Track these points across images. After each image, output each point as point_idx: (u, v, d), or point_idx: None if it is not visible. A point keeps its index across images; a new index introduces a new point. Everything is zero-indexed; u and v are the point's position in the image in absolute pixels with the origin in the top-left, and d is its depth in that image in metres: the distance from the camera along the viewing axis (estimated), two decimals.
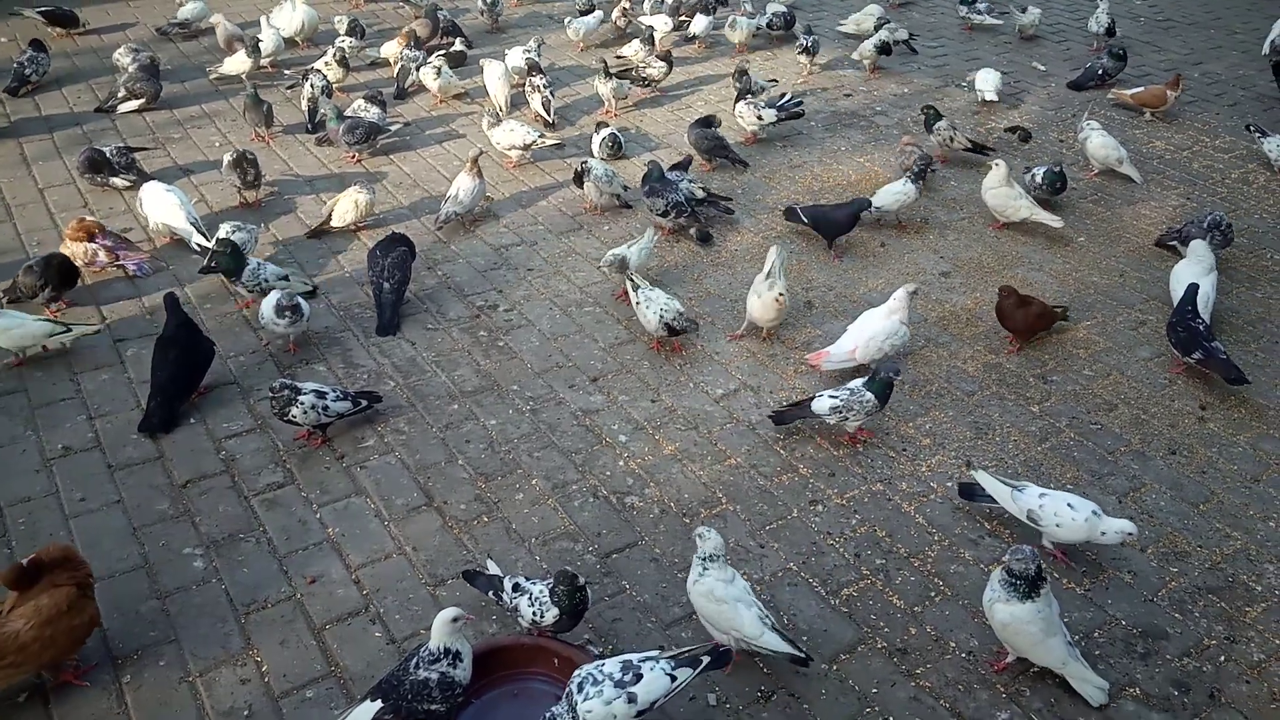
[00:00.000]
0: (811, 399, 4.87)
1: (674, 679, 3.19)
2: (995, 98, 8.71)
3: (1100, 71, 9.21)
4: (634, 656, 3.25)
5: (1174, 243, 6.51)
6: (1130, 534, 4.09)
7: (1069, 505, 4.16)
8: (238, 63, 8.71)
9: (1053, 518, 4.17)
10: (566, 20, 9.93)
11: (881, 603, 4.09)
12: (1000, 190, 6.71)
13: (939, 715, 3.64)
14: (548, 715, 3.13)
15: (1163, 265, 6.36)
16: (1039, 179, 6.94)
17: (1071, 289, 6.25)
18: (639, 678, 3.16)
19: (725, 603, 3.60)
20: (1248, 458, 4.93)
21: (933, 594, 4.14)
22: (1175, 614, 4.09)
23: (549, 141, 7.52)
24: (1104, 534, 4.11)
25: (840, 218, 6.50)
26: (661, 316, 5.31)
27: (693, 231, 6.63)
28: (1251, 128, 7.97)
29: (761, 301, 5.43)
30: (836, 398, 4.77)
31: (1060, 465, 4.83)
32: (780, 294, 5.38)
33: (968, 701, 3.70)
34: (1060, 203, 7.14)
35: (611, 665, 3.22)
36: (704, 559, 3.65)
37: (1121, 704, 3.71)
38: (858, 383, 4.83)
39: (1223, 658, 3.91)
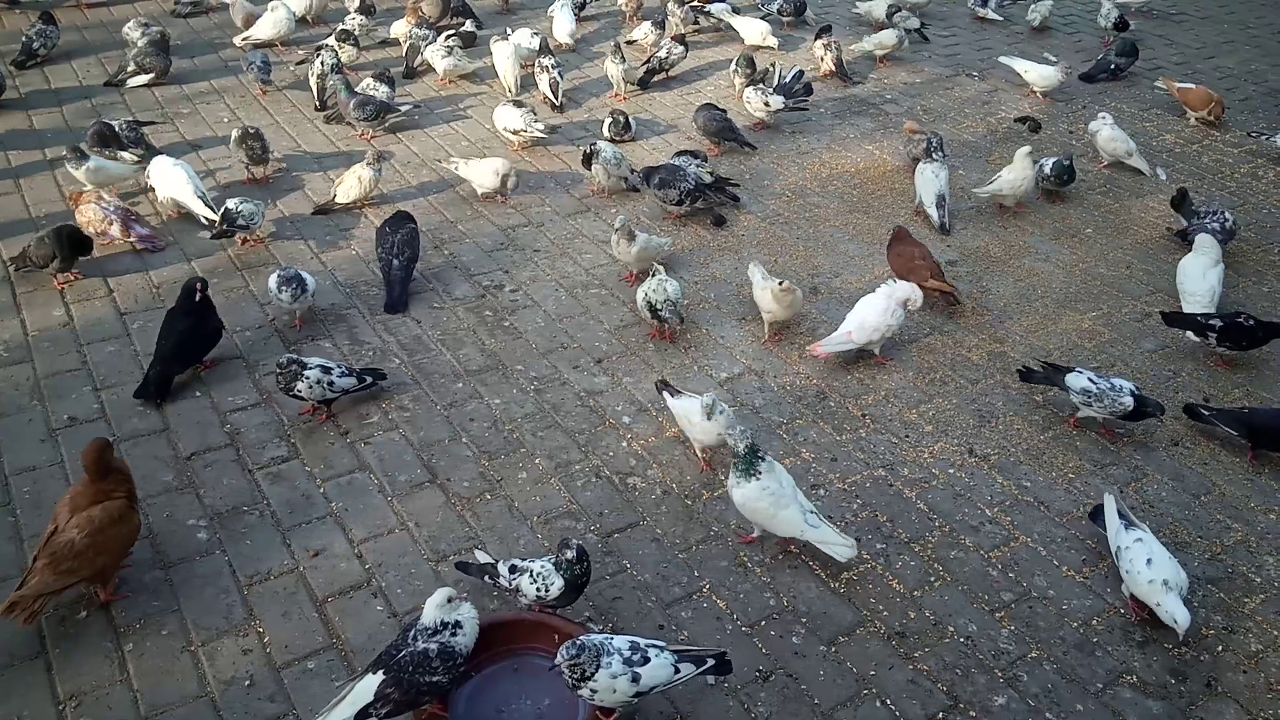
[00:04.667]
0: (1070, 368, 4.92)
1: (677, 671, 3.24)
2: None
3: (1112, 65, 9.17)
4: (640, 640, 3.29)
5: (1179, 230, 6.51)
6: (1177, 624, 3.74)
7: (1148, 561, 3.88)
8: (268, 27, 8.79)
9: (1128, 564, 3.95)
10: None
11: (881, 587, 4.10)
12: (1017, 167, 6.75)
13: (936, 698, 3.66)
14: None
15: (1170, 258, 6.35)
16: (1047, 170, 6.93)
17: (1078, 280, 6.24)
18: (646, 660, 3.20)
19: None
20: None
21: (932, 579, 4.15)
22: None
23: (537, 131, 7.34)
24: (1159, 605, 3.80)
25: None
26: (647, 296, 5.31)
27: (710, 216, 6.67)
28: (1253, 133, 7.99)
29: (770, 295, 5.35)
30: (1095, 384, 4.78)
31: (1063, 454, 4.84)
32: (782, 282, 5.32)
33: (965, 685, 3.71)
34: (1069, 194, 7.13)
35: (620, 641, 3.25)
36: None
37: (1118, 691, 3.72)
38: (1125, 384, 4.80)
39: (1220, 647, 3.92)
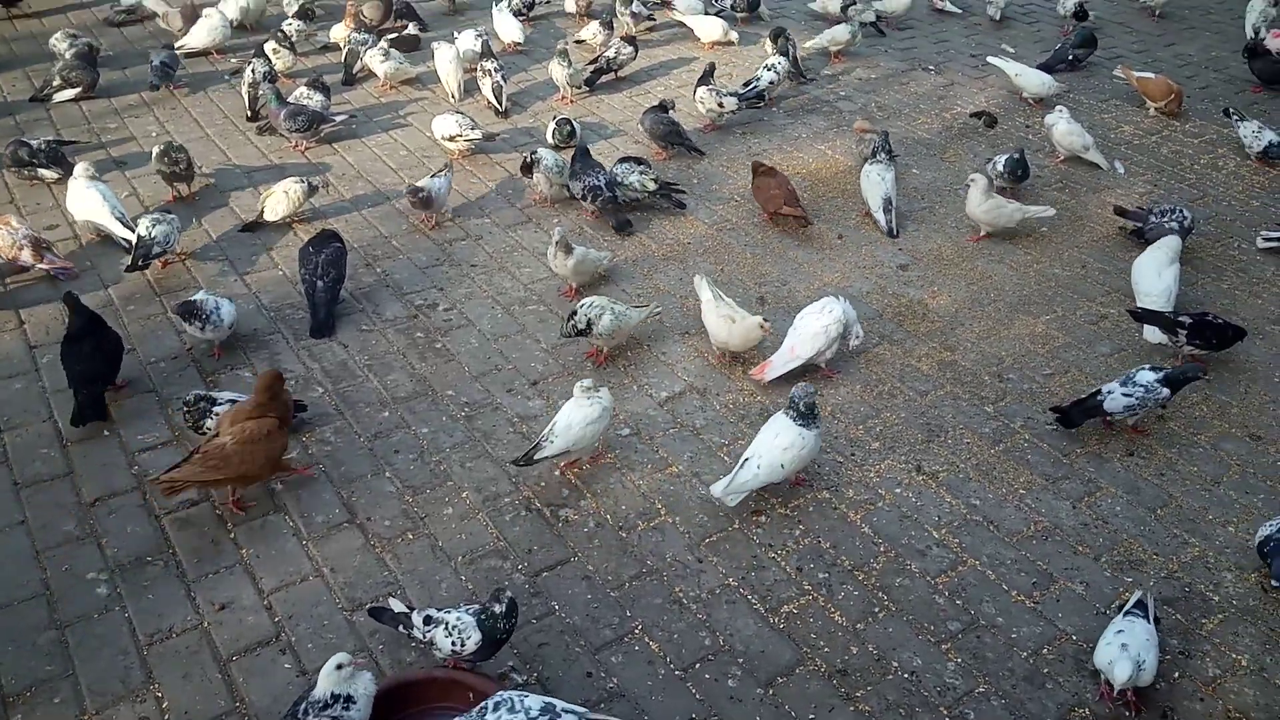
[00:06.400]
0: (1100, 397, 4.71)
1: None
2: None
3: (1070, 56, 9.00)
4: (559, 704, 3.06)
5: (1136, 225, 6.34)
6: (1114, 675, 3.46)
7: (1118, 631, 3.60)
8: (202, 34, 8.52)
9: (1101, 637, 3.66)
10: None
11: (822, 620, 3.91)
12: (988, 204, 6.27)
13: None
14: None
15: (1126, 256, 6.17)
16: (1000, 167, 6.74)
17: (1032, 281, 6.06)
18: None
19: None
20: (1208, 458, 4.77)
21: (876, 609, 3.96)
22: None
23: (473, 136, 7.10)
24: (1111, 663, 3.50)
25: None
26: (586, 314, 5.05)
27: (611, 220, 6.41)
28: (1230, 112, 7.75)
29: (742, 328, 5.01)
30: (1131, 396, 4.67)
31: (1014, 469, 4.66)
32: (764, 321, 4.99)
33: None
34: (1023, 191, 6.94)
35: (534, 701, 3.04)
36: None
37: None
38: (1150, 377, 4.68)
39: (1177, 674, 3.75)
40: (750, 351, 5.23)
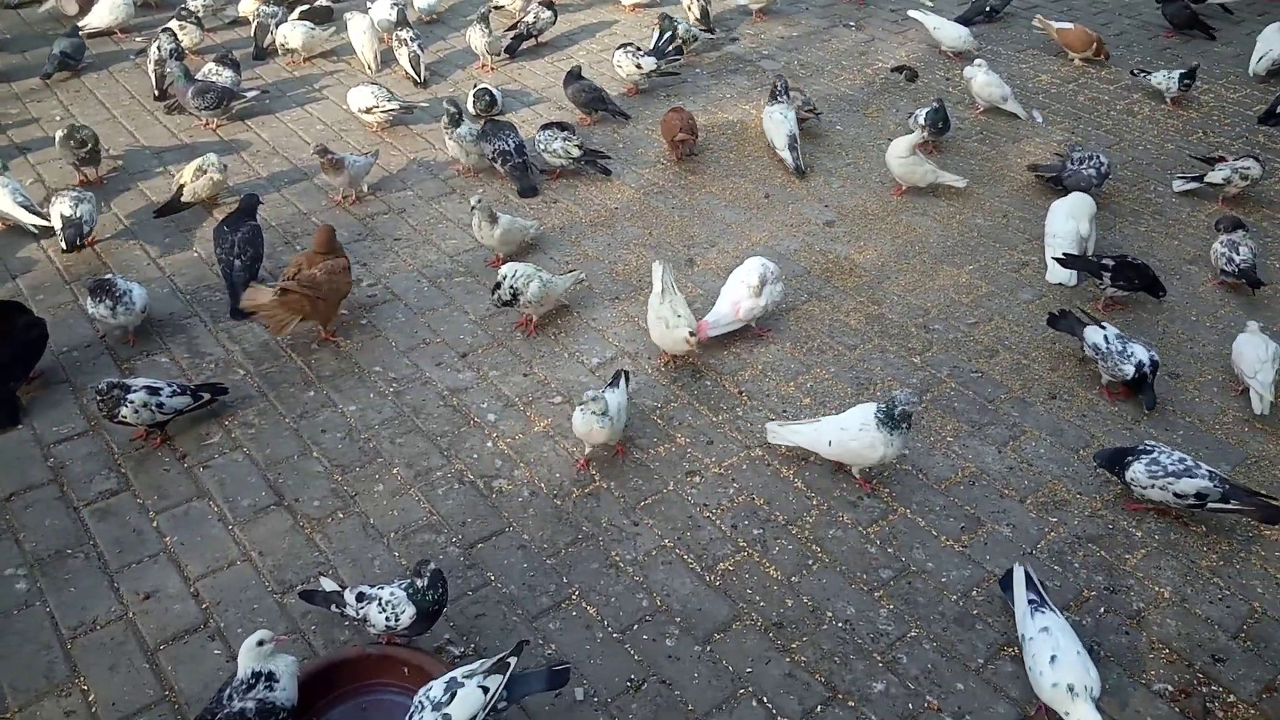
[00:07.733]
0: (1095, 322, 4.90)
1: (486, 690, 3.01)
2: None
3: (987, 7, 9.07)
4: (459, 672, 3.08)
5: (1051, 176, 6.43)
6: None
7: (1051, 659, 3.29)
8: (104, 13, 8.21)
9: (1030, 659, 3.40)
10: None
11: (758, 575, 3.94)
12: (907, 159, 6.31)
13: (814, 691, 3.52)
14: None
15: (1045, 204, 6.24)
16: (921, 120, 6.78)
17: (955, 233, 6.13)
18: (454, 696, 2.98)
19: None
20: (1129, 398, 4.88)
21: (810, 562, 4.00)
22: (1055, 566, 4.02)
23: (390, 108, 6.92)
24: (1067, 715, 3.24)
25: None
26: (510, 281, 4.98)
27: (516, 184, 6.39)
28: (1135, 72, 7.90)
29: (671, 336, 4.83)
30: (1106, 343, 4.75)
31: (941, 418, 4.72)
32: (690, 334, 4.78)
33: (844, 674, 3.57)
34: (945, 143, 7.01)
35: (438, 687, 3.04)
36: None
37: (1000, 666, 3.62)
38: (1141, 352, 4.68)
39: (1102, 609, 3.85)
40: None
